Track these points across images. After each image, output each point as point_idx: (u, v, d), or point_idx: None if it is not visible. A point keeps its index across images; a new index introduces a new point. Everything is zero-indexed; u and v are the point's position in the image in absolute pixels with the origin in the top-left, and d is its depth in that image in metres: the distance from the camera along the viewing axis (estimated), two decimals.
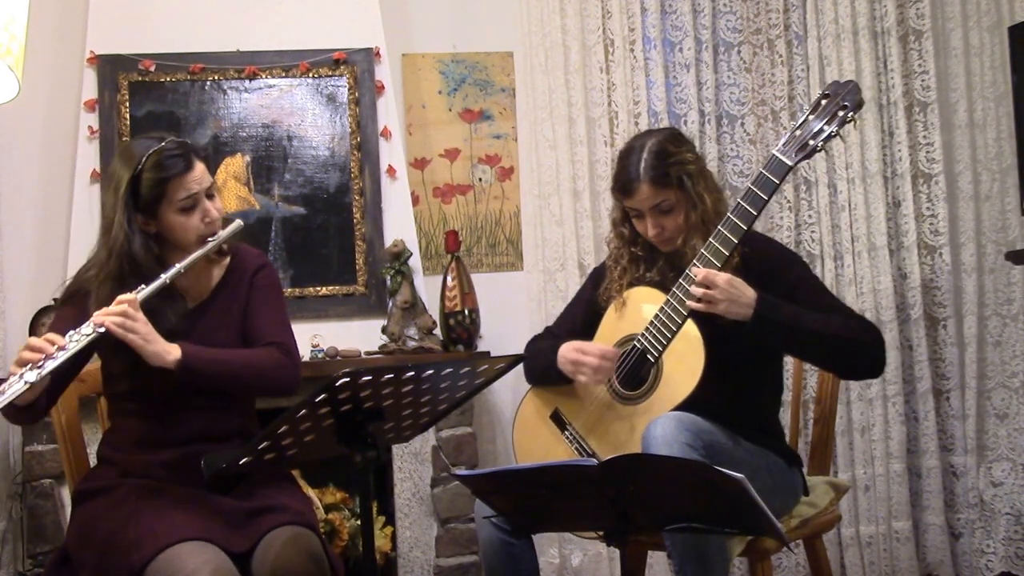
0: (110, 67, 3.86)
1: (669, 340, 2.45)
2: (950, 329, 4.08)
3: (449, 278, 3.91)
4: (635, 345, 2.52)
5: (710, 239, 2.43)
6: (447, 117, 4.22)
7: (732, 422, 2.47)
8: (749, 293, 2.38)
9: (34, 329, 3.67)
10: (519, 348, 2.87)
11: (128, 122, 3.85)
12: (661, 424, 2.32)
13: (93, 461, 2.52)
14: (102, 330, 2.15)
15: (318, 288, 3.94)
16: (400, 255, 3.88)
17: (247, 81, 3.94)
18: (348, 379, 1.85)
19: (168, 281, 2.26)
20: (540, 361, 2.69)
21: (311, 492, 3.49)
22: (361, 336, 3.85)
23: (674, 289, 2.45)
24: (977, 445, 4.06)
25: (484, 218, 4.22)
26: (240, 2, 3.96)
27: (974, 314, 4.06)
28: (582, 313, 2.79)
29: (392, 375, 1.92)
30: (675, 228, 2.55)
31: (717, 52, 4.19)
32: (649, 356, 2.49)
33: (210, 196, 2.34)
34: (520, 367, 2.67)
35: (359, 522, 3.32)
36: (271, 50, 3.96)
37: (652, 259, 2.64)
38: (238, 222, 2.39)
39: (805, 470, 2.77)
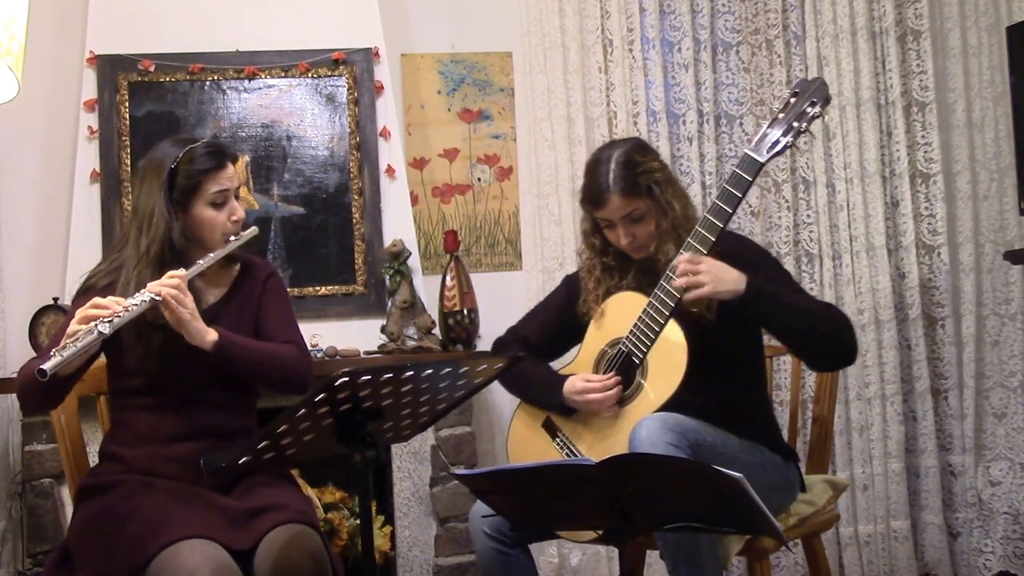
0: (110, 67, 3.86)
1: (653, 341, 2.47)
2: (948, 329, 4.09)
3: (448, 278, 3.91)
4: (620, 348, 2.54)
5: (688, 239, 2.45)
6: (446, 117, 4.23)
7: (722, 419, 2.49)
8: (734, 272, 2.41)
9: (34, 329, 3.67)
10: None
11: (128, 122, 3.85)
12: (646, 426, 2.33)
13: (93, 460, 2.53)
14: (159, 298, 2.22)
15: (317, 288, 3.94)
16: (399, 255, 3.88)
17: (246, 81, 3.94)
18: (347, 379, 1.85)
19: (205, 268, 2.35)
20: (535, 391, 2.69)
21: (310, 491, 3.50)
22: (360, 336, 3.86)
23: (655, 291, 2.48)
24: (975, 444, 4.07)
25: (483, 218, 4.23)
26: (240, 2, 3.96)
27: (972, 314, 4.07)
28: (553, 318, 2.81)
29: (391, 375, 1.92)
30: (647, 236, 2.58)
31: (716, 52, 4.20)
32: (634, 358, 2.51)
33: (236, 197, 2.45)
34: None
35: (358, 521, 3.32)
36: (270, 50, 3.96)
37: (625, 267, 2.67)
38: (255, 228, 2.50)
39: (803, 469, 2.78)
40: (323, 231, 3.97)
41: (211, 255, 2.38)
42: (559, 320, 2.77)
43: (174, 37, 3.90)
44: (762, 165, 2.43)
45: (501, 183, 4.24)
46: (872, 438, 4.00)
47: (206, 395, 2.38)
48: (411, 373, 1.96)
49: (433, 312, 3.90)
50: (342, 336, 3.81)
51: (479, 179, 4.24)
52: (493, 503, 2.21)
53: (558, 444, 2.64)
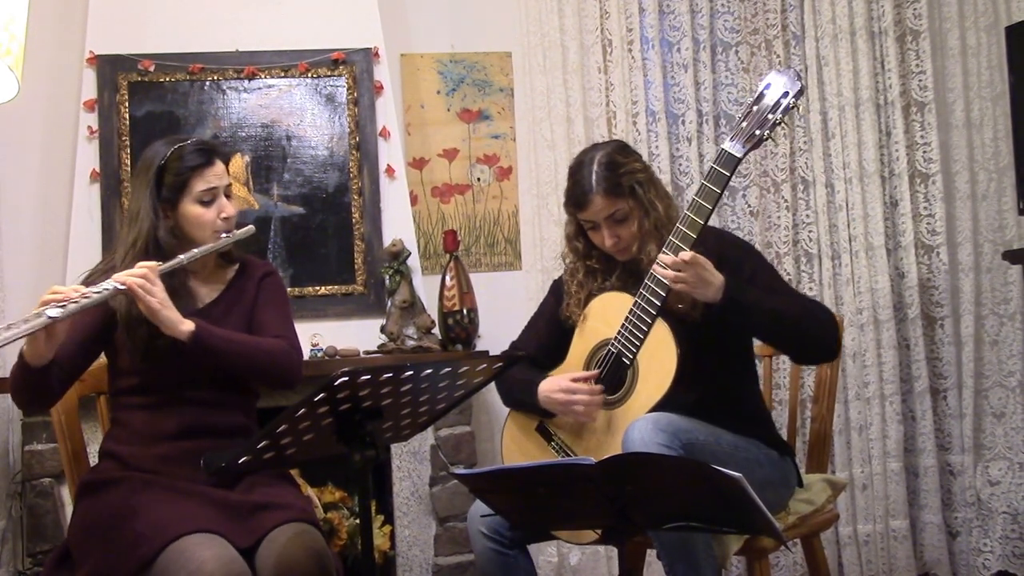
0: (110, 67, 3.86)
1: (642, 341, 2.47)
2: (947, 328, 4.09)
3: (448, 278, 3.91)
4: (610, 349, 2.54)
5: (670, 237, 2.46)
6: (446, 117, 4.23)
7: (714, 415, 2.49)
8: (718, 278, 2.42)
9: None
10: None
11: (127, 122, 3.85)
12: (638, 427, 2.34)
13: (93, 460, 2.54)
14: (123, 287, 2.22)
15: (317, 288, 3.94)
16: (399, 255, 3.88)
17: (246, 81, 3.94)
18: (347, 378, 1.86)
19: (185, 262, 2.33)
20: (518, 396, 2.70)
21: (310, 491, 3.50)
22: (360, 335, 3.86)
23: (641, 290, 2.48)
24: (974, 444, 4.07)
25: (482, 218, 4.23)
26: (239, 2, 3.97)
27: (971, 313, 4.07)
28: (546, 327, 2.80)
29: (391, 374, 1.93)
30: (630, 236, 2.59)
31: (715, 52, 4.20)
32: (624, 359, 2.51)
33: (227, 196, 2.44)
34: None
35: (358, 521, 3.33)
36: (270, 50, 3.96)
37: (609, 269, 2.67)
38: (251, 227, 2.48)
39: (802, 469, 2.79)
40: (323, 231, 3.97)
41: (195, 250, 2.36)
42: (554, 327, 2.77)
43: (174, 37, 3.91)
44: (739, 160, 2.44)
45: (500, 183, 4.25)
46: (871, 437, 4.00)
47: (201, 394, 2.37)
48: (411, 373, 1.96)
49: (433, 312, 3.90)
50: (342, 336, 3.82)
51: (479, 179, 4.24)
52: (492, 503, 2.21)
53: (554, 447, 2.64)
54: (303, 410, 1.90)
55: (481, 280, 4.03)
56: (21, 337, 2.16)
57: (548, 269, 4.03)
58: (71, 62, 3.92)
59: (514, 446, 2.74)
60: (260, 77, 3.95)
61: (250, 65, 3.94)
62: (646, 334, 2.47)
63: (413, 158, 4.19)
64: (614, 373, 2.54)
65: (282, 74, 3.97)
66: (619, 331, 2.51)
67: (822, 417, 2.87)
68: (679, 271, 2.39)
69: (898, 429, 4.00)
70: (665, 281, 2.42)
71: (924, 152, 4.14)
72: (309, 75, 3.98)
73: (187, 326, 2.26)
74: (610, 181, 2.55)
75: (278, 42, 3.97)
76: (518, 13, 4.11)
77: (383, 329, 3.85)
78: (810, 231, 4.13)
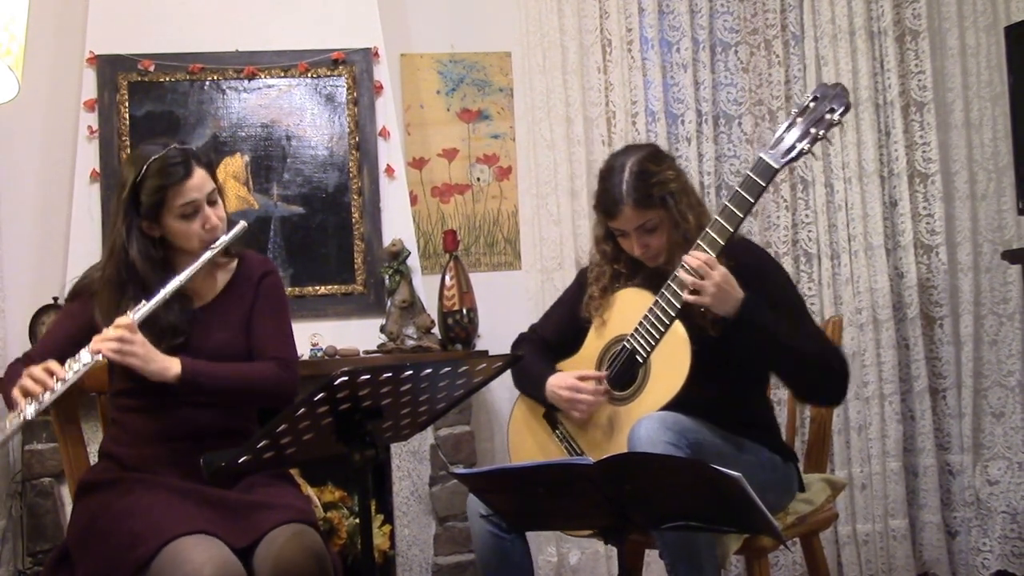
0: (110, 67, 3.87)
1: (658, 340, 2.47)
2: (946, 328, 4.10)
3: (447, 277, 3.92)
4: (624, 345, 2.54)
5: (698, 241, 2.44)
6: (445, 117, 4.23)
7: (723, 419, 2.49)
8: (738, 293, 2.40)
9: (34, 329, 3.68)
10: None
11: (127, 122, 3.86)
12: (645, 424, 2.34)
13: (93, 459, 2.53)
14: (99, 357, 2.22)
15: (317, 287, 3.95)
16: (398, 254, 3.89)
17: (246, 81, 3.95)
18: (347, 378, 1.86)
19: (167, 296, 2.30)
20: (528, 385, 2.72)
21: (310, 490, 3.50)
22: (360, 335, 3.86)
23: (663, 290, 2.47)
24: (973, 443, 4.07)
25: (482, 217, 4.24)
26: (239, 2, 3.97)
27: (970, 313, 4.07)
28: (566, 315, 2.80)
29: (390, 374, 1.93)
30: (660, 246, 2.57)
31: (714, 52, 4.20)
32: (638, 356, 2.51)
33: (212, 202, 2.38)
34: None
35: (358, 520, 3.32)
36: (270, 50, 3.97)
37: (635, 273, 2.66)
38: (242, 224, 2.42)
39: (802, 468, 2.79)
40: (322, 231, 3.97)
41: (177, 278, 2.32)
42: (573, 316, 2.76)
43: (174, 37, 3.91)
44: (777, 171, 2.41)
45: (500, 183, 4.25)
46: (870, 437, 4.00)
47: (193, 397, 2.34)
48: (410, 372, 1.96)
49: (432, 312, 3.90)
50: (341, 335, 3.82)
51: (478, 179, 4.24)
52: (492, 502, 2.22)
53: (558, 436, 2.65)
54: (303, 410, 1.90)
55: (481, 280, 4.04)
56: (6, 442, 2.20)
57: (548, 269, 4.04)
58: (71, 62, 3.92)
59: (520, 434, 2.75)
60: (260, 77, 3.95)
61: (250, 65, 3.94)
62: (663, 334, 2.47)
63: (413, 158, 4.19)
64: (626, 370, 2.54)
65: (282, 74, 3.97)
66: (636, 328, 2.51)
67: (821, 416, 2.87)
68: (702, 277, 2.37)
69: (897, 429, 4.00)
70: (681, 291, 2.41)
71: (923, 152, 4.14)
72: (309, 75, 3.98)
73: (174, 371, 2.27)
74: (640, 192, 2.51)
75: (278, 42, 3.97)
76: (518, 13, 4.12)
77: (383, 329, 3.85)
78: (809, 231, 4.14)
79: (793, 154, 2.40)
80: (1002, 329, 4.09)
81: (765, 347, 2.45)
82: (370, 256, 3.97)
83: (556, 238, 4.03)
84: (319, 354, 3.73)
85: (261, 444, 1.97)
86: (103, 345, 2.21)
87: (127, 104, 3.86)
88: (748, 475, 1.83)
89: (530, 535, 2.63)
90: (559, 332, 2.80)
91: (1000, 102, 4.05)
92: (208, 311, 2.44)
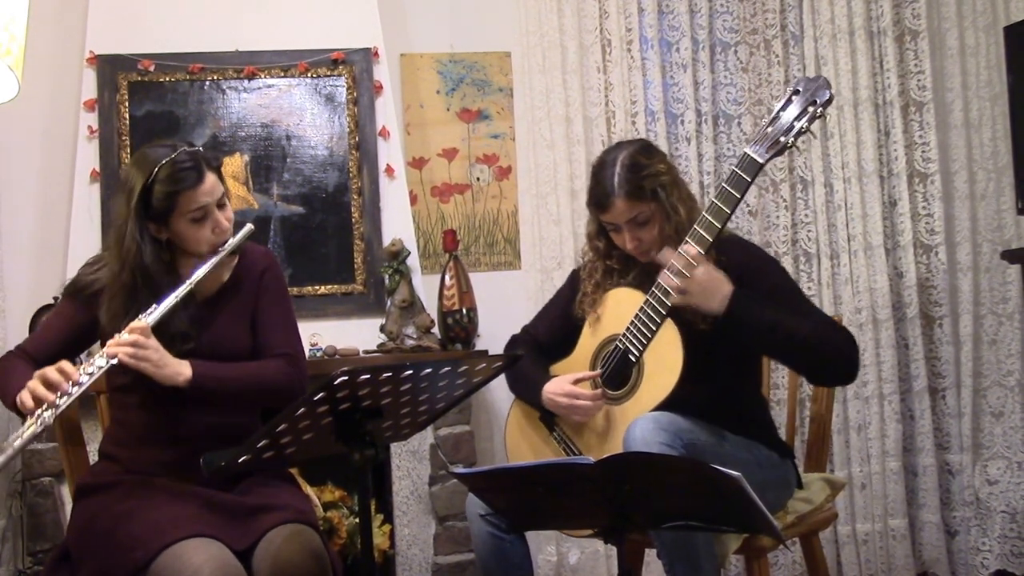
0: (110, 67, 3.87)
1: (649, 339, 2.47)
2: (946, 328, 4.10)
3: (447, 277, 3.92)
4: (617, 345, 2.54)
5: (686, 238, 2.45)
6: (445, 117, 4.23)
7: (718, 418, 2.50)
8: (724, 289, 2.39)
9: (34, 328, 3.68)
10: None
11: (127, 122, 3.86)
12: (640, 425, 2.34)
13: (93, 459, 2.54)
14: (115, 361, 2.21)
15: (317, 287, 3.95)
16: (398, 254, 3.89)
17: (246, 81, 3.95)
18: (346, 378, 1.86)
19: (179, 299, 2.30)
20: (524, 390, 2.72)
21: (310, 490, 3.50)
22: (359, 335, 3.86)
23: (653, 289, 2.48)
24: (973, 443, 4.07)
25: (482, 217, 4.24)
26: (239, 2, 3.97)
27: (970, 313, 4.08)
28: (559, 316, 2.81)
29: (390, 374, 1.93)
30: (652, 239, 2.57)
31: (714, 52, 4.20)
32: (631, 356, 2.51)
33: (221, 205, 2.37)
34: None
35: (358, 520, 3.33)
36: (270, 50, 3.97)
37: (627, 269, 2.67)
38: (249, 226, 2.42)
39: (801, 468, 2.79)
40: (322, 230, 3.98)
41: (190, 280, 2.31)
42: (566, 317, 2.77)
43: (174, 37, 3.91)
44: (762, 165, 2.41)
45: (500, 183, 4.25)
46: (870, 437, 4.00)
47: (195, 397, 2.34)
48: (410, 372, 1.96)
49: (432, 311, 3.91)
50: (341, 335, 3.82)
51: (478, 179, 4.24)
52: (491, 501, 2.22)
53: (556, 438, 2.65)
54: (303, 409, 1.91)
55: (480, 280, 4.04)
56: (24, 447, 2.17)
57: (547, 269, 4.04)
58: (71, 62, 3.92)
59: (518, 433, 2.76)
60: (260, 77, 3.96)
61: (250, 65, 3.94)
62: (654, 333, 2.47)
63: (413, 158, 4.20)
64: (619, 369, 2.55)
65: (282, 74, 3.97)
66: (628, 328, 2.52)
67: (821, 416, 2.88)
68: (683, 283, 2.38)
69: (897, 428, 4.00)
70: (670, 290, 2.42)
71: (923, 152, 4.14)
72: (309, 75, 3.98)
73: (184, 375, 2.26)
74: (632, 184, 2.53)
75: (278, 42, 3.97)
76: (517, 13, 4.12)
77: (383, 328, 3.85)
78: (809, 231, 4.14)
79: (777, 148, 2.40)
80: (1001, 329, 4.09)
81: (762, 336, 2.44)
82: (370, 256, 3.97)
83: (556, 238, 4.03)
84: (319, 354, 3.73)
85: (261, 444, 1.97)
86: (119, 350, 2.21)
87: (127, 104, 3.86)
88: (746, 474, 1.84)
89: (530, 535, 2.64)
90: (552, 332, 2.80)
91: (999, 102, 4.05)
92: (211, 306, 2.43)
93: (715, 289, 2.39)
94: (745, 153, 2.42)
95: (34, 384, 2.18)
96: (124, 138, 3.84)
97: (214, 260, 2.35)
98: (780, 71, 4.15)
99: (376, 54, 4.02)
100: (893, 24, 4.13)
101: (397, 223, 3.99)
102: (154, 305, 2.28)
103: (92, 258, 2.49)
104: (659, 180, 2.55)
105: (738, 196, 2.41)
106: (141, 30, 3.91)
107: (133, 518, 2.19)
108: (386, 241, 3.95)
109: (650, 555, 3.17)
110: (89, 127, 3.85)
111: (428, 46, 4.24)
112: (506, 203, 4.25)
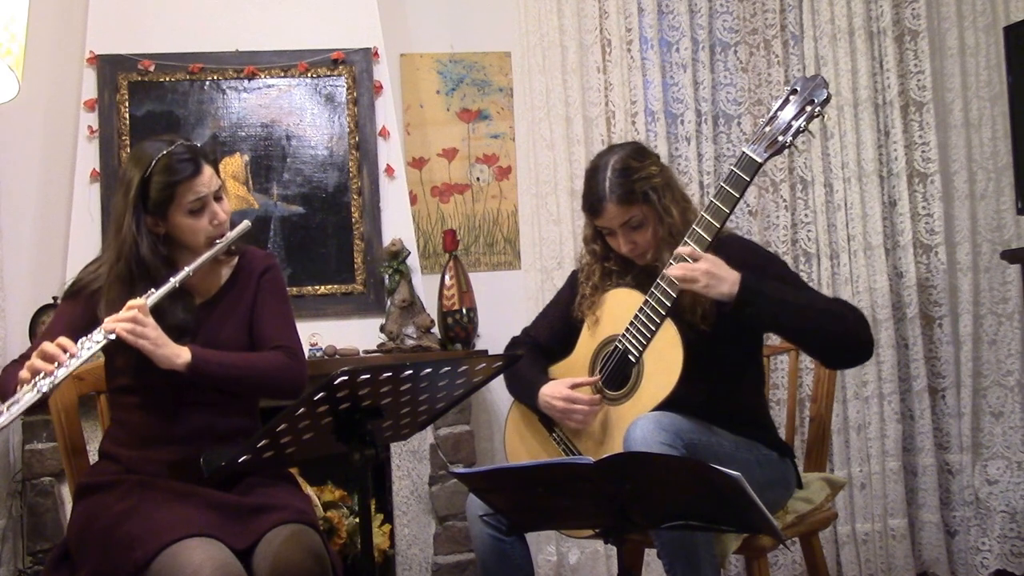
0: (110, 67, 3.87)
1: (649, 340, 2.47)
2: (946, 328, 4.10)
3: (447, 277, 3.92)
4: (616, 346, 2.54)
5: (685, 238, 2.45)
6: (445, 117, 4.24)
7: (717, 417, 2.50)
8: (732, 274, 2.39)
9: (34, 329, 3.68)
10: None
11: (128, 122, 3.86)
12: (640, 425, 2.34)
13: (93, 459, 2.53)
14: (113, 336, 2.20)
15: (317, 287, 3.95)
16: (398, 254, 3.89)
17: (246, 81, 3.95)
18: (346, 377, 1.86)
19: (177, 284, 2.30)
20: (521, 392, 2.72)
21: (310, 490, 3.50)
22: (359, 335, 3.87)
23: (652, 289, 2.48)
24: (972, 443, 4.08)
25: (482, 217, 4.24)
26: (239, 2, 3.97)
27: (970, 313, 4.08)
28: (559, 317, 2.81)
29: (390, 374, 1.93)
30: (646, 242, 2.58)
31: (714, 52, 4.21)
32: (630, 356, 2.51)
33: (218, 199, 2.38)
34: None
35: (357, 520, 3.33)
36: (270, 50, 3.97)
37: (625, 271, 2.67)
38: (246, 223, 2.43)
39: (801, 468, 2.79)
40: (322, 230, 3.98)
41: (187, 268, 2.32)
42: (566, 318, 2.77)
43: (174, 37, 3.91)
44: (760, 165, 2.41)
45: (500, 183, 4.25)
46: (870, 437, 4.01)
47: (196, 395, 2.35)
48: (410, 372, 1.96)
49: (432, 311, 3.91)
50: (341, 335, 3.82)
51: (478, 179, 4.25)
52: (491, 501, 2.22)
53: (556, 439, 2.65)
54: (303, 409, 1.91)
55: (480, 279, 4.04)
56: (17, 417, 2.14)
57: (547, 269, 4.04)
58: (71, 62, 3.92)
59: (517, 435, 2.76)
60: (260, 77, 3.96)
61: (250, 65, 3.94)
62: (654, 333, 2.47)
63: (412, 158, 4.20)
64: (619, 370, 2.55)
65: (282, 74, 3.98)
66: (627, 328, 2.52)
67: (821, 416, 2.88)
68: (689, 272, 2.38)
69: (896, 428, 4.01)
70: (672, 289, 2.42)
71: (923, 152, 4.14)
72: (309, 75, 3.98)
73: (183, 358, 2.26)
74: (623, 188, 2.53)
75: (278, 42, 3.98)
76: (517, 13, 4.12)
77: (382, 328, 3.85)
78: (809, 230, 4.14)
79: (776, 147, 2.41)
80: (1001, 329, 4.09)
81: (777, 313, 2.41)
82: (370, 256, 3.98)
83: (556, 238, 4.03)
84: (319, 354, 3.73)
85: (261, 443, 1.97)
86: (118, 324, 2.20)
87: (127, 104, 3.87)
88: (746, 473, 1.84)
89: (530, 535, 2.63)
90: (552, 333, 2.80)
91: (999, 102, 4.06)
92: (210, 307, 2.43)
93: (724, 274, 2.38)
94: (743, 153, 2.43)
95: (33, 359, 2.18)
96: (124, 138, 3.84)
97: (212, 252, 2.36)
98: (780, 71, 4.15)
99: (376, 54, 4.02)
100: (893, 24, 4.13)
101: (397, 223, 3.99)
102: (152, 289, 2.28)
103: (91, 261, 2.49)
104: (651, 183, 2.56)
105: (737, 196, 2.41)
106: (141, 30, 3.91)
107: (133, 518, 2.19)
108: (386, 241, 3.96)
109: (650, 555, 3.17)
110: (89, 127, 3.85)
111: (428, 46, 4.24)
112: (506, 203, 4.25)
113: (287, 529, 2.21)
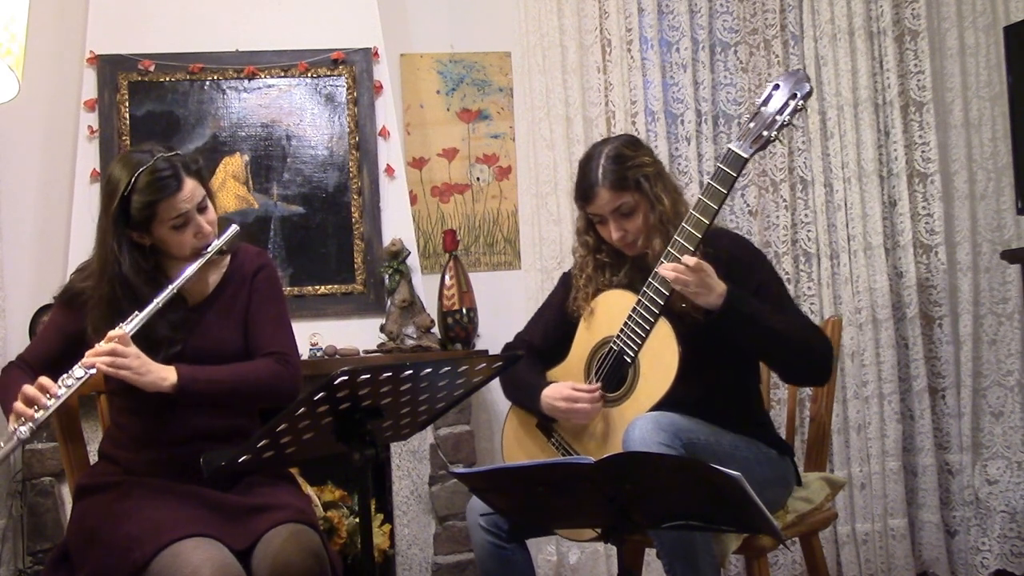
0: (110, 67, 3.87)
1: (644, 339, 2.48)
2: (946, 328, 4.10)
3: (447, 277, 3.92)
4: (612, 347, 2.55)
5: (675, 236, 2.46)
6: (445, 117, 4.24)
7: (715, 416, 2.50)
8: (720, 285, 2.42)
9: (34, 329, 3.68)
10: None
11: (128, 122, 3.86)
12: (639, 425, 2.34)
13: (93, 459, 2.53)
14: (93, 371, 2.21)
15: (317, 287, 3.95)
16: (398, 254, 3.89)
17: (246, 81, 3.95)
18: (346, 377, 1.86)
19: (161, 305, 2.29)
20: (521, 397, 2.72)
21: (310, 490, 3.50)
22: (359, 335, 3.87)
23: (644, 289, 2.48)
24: (972, 443, 4.08)
25: (482, 217, 4.24)
26: (239, 2, 3.97)
27: (970, 313, 4.08)
28: (554, 319, 2.80)
29: (390, 374, 1.93)
30: (637, 230, 2.59)
31: (714, 52, 4.20)
32: (626, 357, 2.52)
33: (203, 209, 2.36)
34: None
35: (357, 520, 3.33)
36: (270, 50, 3.97)
37: (618, 264, 2.67)
38: (234, 227, 2.41)
39: (801, 468, 2.79)
40: (322, 230, 3.98)
41: (171, 286, 2.30)
42: (561, 320, 2.77)
43: (174, 37, 3.91)
44: (746, 160, 2.43)
45: (500, 182, 4.25)
46: (870, 437, 4.01)
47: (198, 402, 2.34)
48: (410, 372, 1.97)
49: (432, 311, 3.91)
50: (341, 335, 3.82)
51: (478, 178, 4.25)
52: (492, 502, 2.22)
53: (554, 444, 2.65)
54: (303, 409, 1.91)
55: (480, 279, 4.04)
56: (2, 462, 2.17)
57: (547, 268, 4.04)
58: (71, 62, 3.92)
59: (515, 442, 2.75)
60: (260, 77, 3.96)
61: (250, 65, 3.94)
62: (648, 333, 2.47)
63: (413, 158, 4.20)
64: (615, 371, 2.55)
65: (282, 74, 3.98)
66: (621, 329, 2.52)
67: (820, 416, 2.87)
68: (681, 274, 2.40)
69: (896, 428, 4.00)
70: (667, 280, 2.43)
71: (923, 152, 4.14)
72: (309, 75, 3.98)
73: (169, 381, 2.25)
74: (616, 174, 2.55)
75: (278, 42, 3.97)
76: (517, 13, 4.12)
77: (383, 328, 3.85)
78: (809, 230, 4.14)
79: (761, 142, 2.43)
80: (1001, 328, 4.09)
81: (752, 334, 2.47)
82: (370, 256, 3.98)
83: (556, 238, 4.03)
84: (319, 354, 3.73)
85: (261, 444, 1.97)
86: (97, 359, 2.20)
87: (127, 104, 3.87)
88: (745, 471, 1.84)
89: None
90: (547, 336, 2.80)
91: (999, 102, 4.06)
92: (203, 309, 2.42)
93: (712, 283, 2.41)
94: (729, 149, 2.45)
95: (16, 405, 2.19)
96: (124, 138, 3.84)
97: (198, 263, 2.34)
98: (780, 71, 4.15)
99: (376, 54, 4.02)
100: (893, 24, 4.13)
101: (397, 223, 3.99)
102: (135, 312, 2.27)
103: (83, 264, 2.47)
104: (643, 171, 2.58)
105: (724, 192, 2.43)
106: (141, 30, 3.91)
107: (132, 518, 2.19)
108: (386, 241, 3.96)
109: (650, 555, 3.17)
110: (89, 127, 3.85)
111: (428, 46, 4.24)
112: (506, 203, 4.25)
113: (286, 529, 2.21)
